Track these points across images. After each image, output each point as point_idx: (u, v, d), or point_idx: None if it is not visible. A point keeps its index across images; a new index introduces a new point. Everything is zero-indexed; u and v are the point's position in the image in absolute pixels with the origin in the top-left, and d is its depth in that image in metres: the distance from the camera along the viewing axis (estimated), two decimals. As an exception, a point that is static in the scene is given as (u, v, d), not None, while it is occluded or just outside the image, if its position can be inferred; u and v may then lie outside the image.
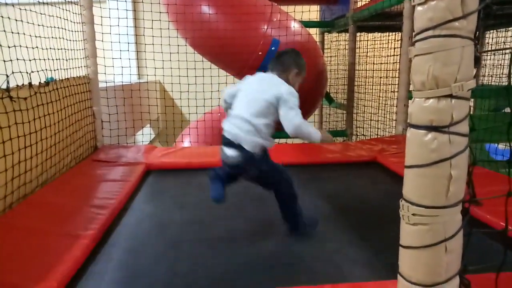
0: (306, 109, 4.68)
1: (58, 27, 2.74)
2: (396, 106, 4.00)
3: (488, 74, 4.18)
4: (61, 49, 2.76)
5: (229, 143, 1.74)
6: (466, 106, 0.76)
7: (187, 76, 4.18)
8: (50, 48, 2.59)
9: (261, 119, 1.71)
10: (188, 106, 4.25)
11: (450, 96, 0.73)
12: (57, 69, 2.67)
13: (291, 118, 1.67)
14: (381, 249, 1.74)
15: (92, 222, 1.90)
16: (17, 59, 2.18)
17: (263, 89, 1.75)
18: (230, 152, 1.74)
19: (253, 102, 1.75)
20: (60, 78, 2.71)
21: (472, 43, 0.72)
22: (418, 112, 0.78)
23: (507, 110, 4.02)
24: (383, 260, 1.63)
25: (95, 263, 1.67)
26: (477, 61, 0.74)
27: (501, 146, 4.28)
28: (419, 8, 0.74)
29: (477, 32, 0.72)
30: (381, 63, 4.79)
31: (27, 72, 2.25)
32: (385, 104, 4.74)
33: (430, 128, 0.76)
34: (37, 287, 1.34)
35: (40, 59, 2.44)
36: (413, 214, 0.81)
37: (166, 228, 2.01)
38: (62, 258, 1.55)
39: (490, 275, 1.04)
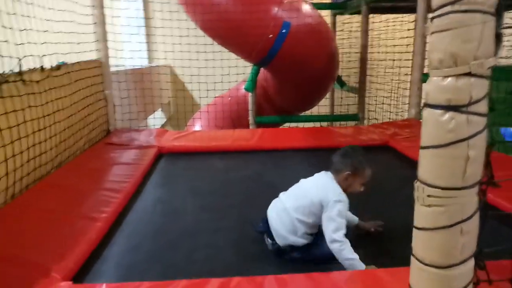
0: (317, 93, 4.63)
1: (68, 11, 2.73)
2: (409, 89, 3.93)
3: (506, 56, 4.06)
4: (72, 32, 2.76)
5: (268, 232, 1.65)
6: (486, 85, 0.74)
7: (198, 60, 4.16)
8: (61, 32, 2.59)
9: (300, 215, 1.58)
10: (199, 90, 4.24)
11: (469, 74, 0.71)
12: (68, 53, 2.68)
13: (328, 231, 1.49)
14: (394, 235, 1.73)
15: (106, 205, 1.93)
16: (29, 43, 2.19)
17: (316, 187, 1.61)
18: (268, 240, 1.66)
19: (301, 197, 1.62)
20: (72, 62, 2.72)
21: (493, 18, 0.69)
22: (435, 91, 0.75)
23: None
24: (395, 246, 1.62)
25: (110, 245, 1.69)
26: (499, 38, 0.71)
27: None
28: (438, -17, 0.71)
29: (499, 7, 0.69)
30: (394, 45, 4.69)
31: (38, 56, 2.26)
32: (398, 87, 4.66)
33: (448, 108, 0.74)
34: (55, 267, 1.37)
35: (51, 43, 2.44)
36: (428, 196, 0.79)
37: (181, 215, 2.02)
38: (77, 240, 1.58)
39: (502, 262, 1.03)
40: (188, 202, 2.17)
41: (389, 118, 4.72)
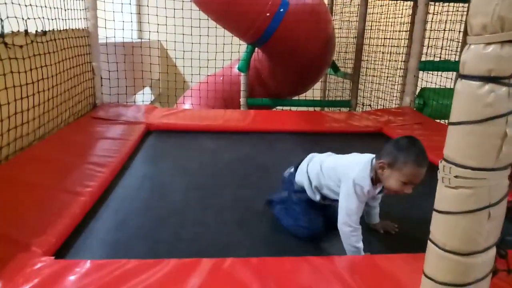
0: (311, 77, 4.54)
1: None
2: (405, 77, 3.88)
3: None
4: (60, -3, 2.59)
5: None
6: (531, 55, 0.66)
7: (191, 35, 4.01)
8: (48, -5, 2.42)
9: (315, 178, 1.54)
10: (191, 66, 4.10)
11: (516, 42, 0.64)
12: (55, 19, 2.52)
13: (343, 212, 1.39)
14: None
15: (91, 180, 1.83)
16: (12, 3, 2.03)
17: (349, 160, 1.51)
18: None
19: (331, 161, 1.55)
20: (58, 29, 2.56)
21: (549, -21, 0.62)
22: (475, 60, 0.68)
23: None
24: (391, 236, 1.58)
25: (94, 220, 1.61)
26: (551, 2, 0.64)
27: None
28: None
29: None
30: (392, 31, 4.62)
31: (22, 18, 2.10)
32: (394, 75, 4.61)
33: (488, 79, 0.66)
34: (36, 242, 1.28)
35: (36, 6, 2.28)
36: (456, 176, 0.73)
37: (168, 192, 1.94)
38: (60, 214, 1.49)
39: None
40: (176, 181, 2.09)
41: (383, 106, 4.68)
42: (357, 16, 4.58)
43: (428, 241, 0.82)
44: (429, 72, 3.96)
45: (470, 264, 0.77)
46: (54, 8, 2.51)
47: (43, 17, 2.33)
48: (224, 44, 4.03)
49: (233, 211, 1.76)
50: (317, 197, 1.57)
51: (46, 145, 2.20)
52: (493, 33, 0.65)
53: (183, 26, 3.91)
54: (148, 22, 3.89)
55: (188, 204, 1.82)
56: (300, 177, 1.61)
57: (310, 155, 1.66)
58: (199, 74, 4.16)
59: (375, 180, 1.40)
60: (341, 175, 1.44)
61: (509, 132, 0.68)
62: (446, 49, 4.04)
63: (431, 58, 4.00)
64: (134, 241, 1.49)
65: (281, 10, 3.69)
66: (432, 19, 3.95)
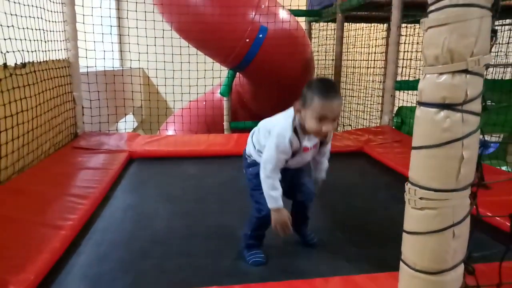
0: (292, 99, 4.62)
1: (36, 6, 2.59)
2: (383, 96, 4.00)
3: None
4: (40, 29, 2.62)
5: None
6: (480, 82, 0.71)
7: (172, 62, 4.06)
8: (27, 28, 2.44)
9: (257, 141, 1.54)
10: (173, 93, 4.13)
11: (466, 71, 0.69)
12: (35, 51, 2.53)
13: (262, 161, 1.43)
14: (370, 239, 1.71)
15: (72, 212, 1.80)
16: (-9, 37, 2.05)
17: (278, 115, 1.52)
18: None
19: (265, 120, 1.58)
20: (38, 61, 2.57)
21: (490, 14, 0.67)
22: (430, 88, 0.73)
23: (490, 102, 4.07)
24: (374, 253, 1.59)
25: (76, 255, 1.57)
26: (494, 35, 0.69)
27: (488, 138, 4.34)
28: (433, -23, 0.68)
29: (495, 2, 0.67)
30: (368, 53, 4.77)
31: (1, 52, 2.11)
32: (371, 95, 4.73)
33: (443, 106, 0.71)
34: (14, 280, 1.25)
35: (16, 39, 2.30)
36: (421, 198, 0.76)
37: (152, 221, 1.91)
38: (40, 249, 1.45)
39: (490, 265, 1.01)
40: (160, 208, 2.07)
41: (362, 125, 4.79)
42: (334, 39, 4.73)
43: (400, 262, 0.85)
44: (405, 91, 4.09)
45: (441, 282, 0.80)
46: (34, 40, 2.53)
47: (23, 50, 2.35)
48: (205, 70, 4.09)
49: (218, 239, 1.74)
50: None
51: (25, 178, 2.17)
52: (444, 64, 0.70)
53: (164, 54, 3.97)
54: (129, 51, 3.94)
55: (172, 233, 1.79)
56: (248, 148, 1.60)
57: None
58: (182, 100, 4.20)
59: (305, 129, 1.40)
60: (271, 128, 1.46)
61: (466, 155, 0.72)
62: (419, 69, 4.20)
63: (406, 78, 4.14)
64: (117, 274, 1.45)
65: (260, 36, 3.79)
66: (405, 41, 4.11)
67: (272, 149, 1.40)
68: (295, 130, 1.40)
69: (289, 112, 1.44)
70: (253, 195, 1.54)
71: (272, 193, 1.40)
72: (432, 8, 0.70)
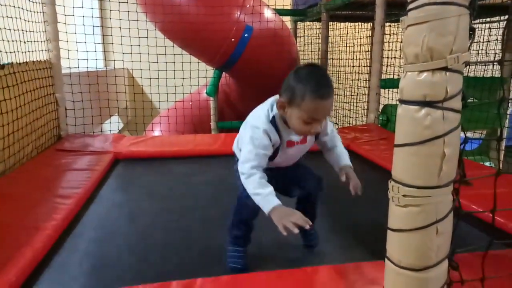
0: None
1: (15, 6, 2.53)
2: (368, 95, 4.03)
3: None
4: (19, 30, 2.56)
5: None
6: (460, 80, 0.72)
7: (157, 62, 4.02)
8: (6, 29, 2.39)
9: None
10: (159, 93, 4.10)
11: (445, 69, 0.69)
12: (14, 52, 2.48)
13: (238, 162, 1.25)
14: (358, 233, 1.74)
15: (55, 213, 1.77)
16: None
17: (254, 113, 1.34)
18: None
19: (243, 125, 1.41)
20: (18, 62, 2.51)
21: (468, 12, 0.68)
22: (411, 86, 0.73)
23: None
24: (360, 244, 1.63)
25: (59, 254, 1.56)
26: (473, 33, 0.70)
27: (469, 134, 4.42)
28: (413, -26, 0.69)
29: (473, 1, 0.68)
30: (353, 52, 4.81)
31: (-20, 53, 2.06)
32: (357, 93, 4.77)
33: (423, 104, 0.71)
34: (-6, 283, 1.22)
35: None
36: (404, 196, 0.77)
37: (136, 218, 1.92)
38: (21, 251, 1.43)
39: (470, 256, 1.03)
40: (145, 206, 2.06)
41: (349, 123, 4.82)
42: (319, 38, 4.76)
43: (385, 259, 0.85)
44: (390, 89, 4.13)
45: (425, 278, 0.80)
46: (13, 41, 2.48)
47: (1, 51, 2.29)
48: (191, 70, 4.07)
49: (202, 231, 1.75)
50: None
51: (7, 182, 2.13)
52: (424, 62, 0.70)
53: (149, 54, 3.93)
54: (113, 51, 3.88)
55: (158, 228, 1.80)
56: (234, 145, 1.46)
57: None
58: (167, 100, 4.16)
59: (287, 122, 1.22)
60: (247, 120, 1.33)
61: (447, 152, 0.73)
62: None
63: (391, 76, 4.18)
64: (100, 270, 1.45)
65: (246, 35, 3.78)
66: (389, 39, 4.15)
67: (248, 143, 1.20)
68: (273, 121, 1.21)
69: (268, 102, 1.27)
70: (241, 197, 1.40)
71: (260, 190, 1.15)
72: (411, 6, 0.70)
